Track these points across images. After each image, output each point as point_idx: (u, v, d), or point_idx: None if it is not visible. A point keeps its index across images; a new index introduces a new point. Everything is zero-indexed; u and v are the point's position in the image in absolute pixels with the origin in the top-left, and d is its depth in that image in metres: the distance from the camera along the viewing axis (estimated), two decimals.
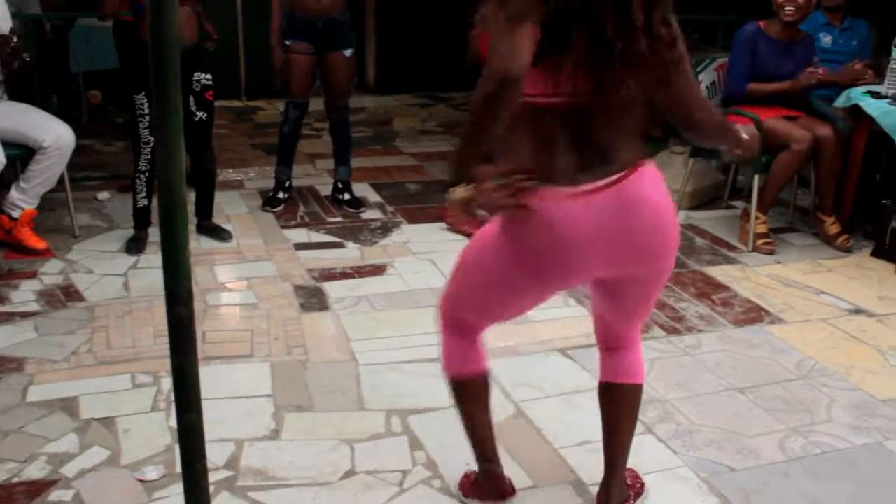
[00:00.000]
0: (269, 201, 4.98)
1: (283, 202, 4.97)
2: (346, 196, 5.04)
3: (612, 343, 2.30)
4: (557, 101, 1.84)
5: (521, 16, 1.72)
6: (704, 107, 2.05)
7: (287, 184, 5.01)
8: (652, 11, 1.79)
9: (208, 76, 4.23)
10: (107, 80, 6.50)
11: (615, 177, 1.90)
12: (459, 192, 1.87)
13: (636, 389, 2.31)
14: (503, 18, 1.72)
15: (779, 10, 4.55)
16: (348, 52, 4.75)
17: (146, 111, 3.99)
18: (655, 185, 1.97)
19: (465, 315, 2.21)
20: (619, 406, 2.31)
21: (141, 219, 4.28)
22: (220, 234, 4.46)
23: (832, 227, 4.67)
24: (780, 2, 4.52)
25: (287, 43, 4.67)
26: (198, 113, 4.23)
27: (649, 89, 1.90)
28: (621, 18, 1.76)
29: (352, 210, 4.96)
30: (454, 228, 4.52)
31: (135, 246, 4.25)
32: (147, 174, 4.15)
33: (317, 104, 5.10)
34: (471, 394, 2.29)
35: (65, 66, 6.59)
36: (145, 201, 4.19)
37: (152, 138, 4.05)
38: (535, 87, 1.80)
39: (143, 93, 3.96)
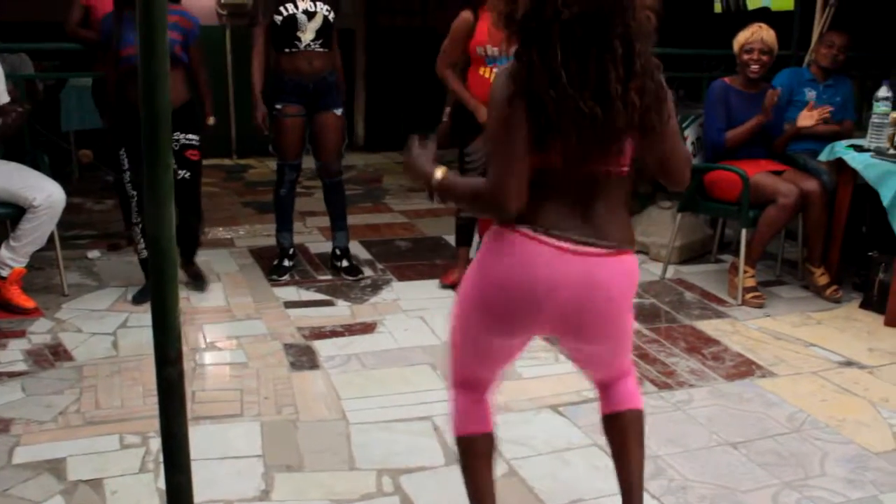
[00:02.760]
0: (274, 270, 4.82)
1: (289, 270, 4.84)
2: (345, 263, 4.91)
3: (602, 381, 2.35)
4: (551, 167, 1.91)
5: (515, 142, 1.84)
6: (690, 163, 2.10)
7: (291, 250, 4.89)
8: (629, 81, 1.84)
9: (189, 136, 4.20)
10: (97, 139, 6.53)
11: (601, 251, 1.96)
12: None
13: (637, 414, 2.33)
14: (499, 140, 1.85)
15: (744, 68, 4.77)
16: (339, 111, 4.71)
17: (126, 166, 4.01)
18: (628, 278, 2.04)
19: (469, 371, 2.24)
20: (624, 433, 2.33)
21: (147, 269, 4.18)
22: (196, 281, 4.43)
23: (822, 279, 4.70)
24: (745, 59, 4.74)
25: (277, 106, 4.59)
26: (179, 172, 4.19)
27: (636, 154, 1.96)
28: (600, 92, 1.82)
29: (349, 277, 4.83)
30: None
31: (141, 296, 4.26)
32: (142, 224, 4.14)
33: (307, 161, 5.10)
34: (476, 452, 2.30)
35: (56, 124, 6.64)
36: (146, 252, 4.13)
37: (135, 192, 4.07)
38: (545, 160, 1.90)
39: (124, 149, 3.99)
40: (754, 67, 4.72)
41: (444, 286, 4.70)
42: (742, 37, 4.74)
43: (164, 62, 1.37)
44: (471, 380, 2.25)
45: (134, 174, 4.07)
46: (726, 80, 4.87)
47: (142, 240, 4.17)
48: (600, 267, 1.97)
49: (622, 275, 2.02)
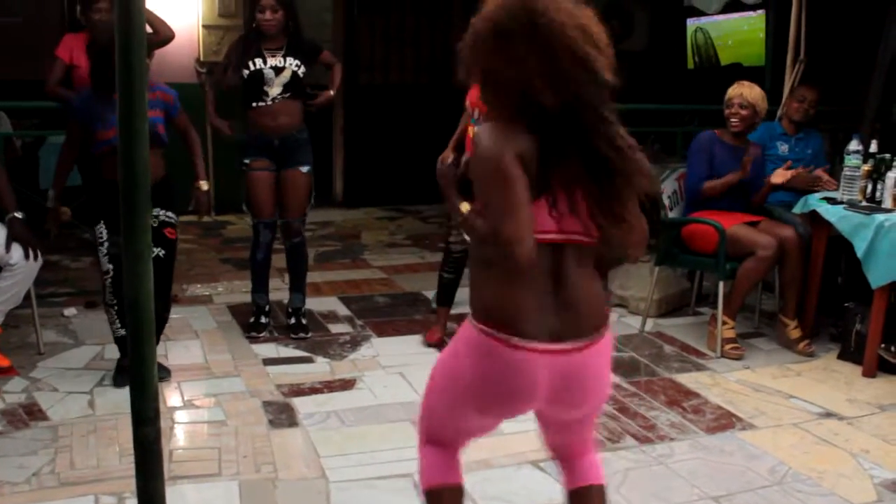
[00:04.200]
0: (252, 327, 4.77)
1: (266, 327, 4.79)
2: (293, 321, 4.82)
3: (562, 456, 2.35)
4: (550, 239, 1.94)
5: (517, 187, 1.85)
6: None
7: (267, 308, 4.85)
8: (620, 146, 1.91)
9: (169, 213, 4.05)
10: (75, 196, 6.52)
11: (581, 343, 1.99)
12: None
13: (601, 489, 2.33)
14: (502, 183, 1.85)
15: (727, 122, 4.90)
16: (304, 169, 4.66)
17: (104, 239, 3.93)
18: (606, 359, 2.09)
19: (441, 434, 2.24)
20: None
21: (124, 346, 3.99)
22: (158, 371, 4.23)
23: (794, 332, 4.73)
24: (726, 114, 4.88)
25: (245, 161, 4.61)
26: (154, 249, 3.88)
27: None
28: (608, 138, 1.89)
29: (293, 335, 4.72)
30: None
31: (121, 379, 3.99)
32: (117, 306, 3.95)
33: None
34: None
35: (34, 182, 6.62)
36: (122, 331, 3.94)
37: (110, 266, 3.94)
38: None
39: (103, 222, 3.94)
40: (734, 121, 4.84)
41: (429, 345, 4.67)
42: (727, 92, 4.89)
43: (145, 147, 1.38)
44: (442, 441, 2.26)
45: (113, 246, 3.92)
46: (716, 131, 4.97)
47: (117, 319, 3.98)
48: (586, 357, 2.01)
49: (606, 353, 2.08)
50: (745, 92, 4.81)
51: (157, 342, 4.12)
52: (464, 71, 2.01)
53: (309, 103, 4.76)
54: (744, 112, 4.81)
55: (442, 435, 2.25)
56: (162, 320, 4.11)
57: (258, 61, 4.52)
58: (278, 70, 4.53)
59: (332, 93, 4.86)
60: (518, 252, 1.81)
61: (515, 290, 1.95)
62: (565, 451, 2.32)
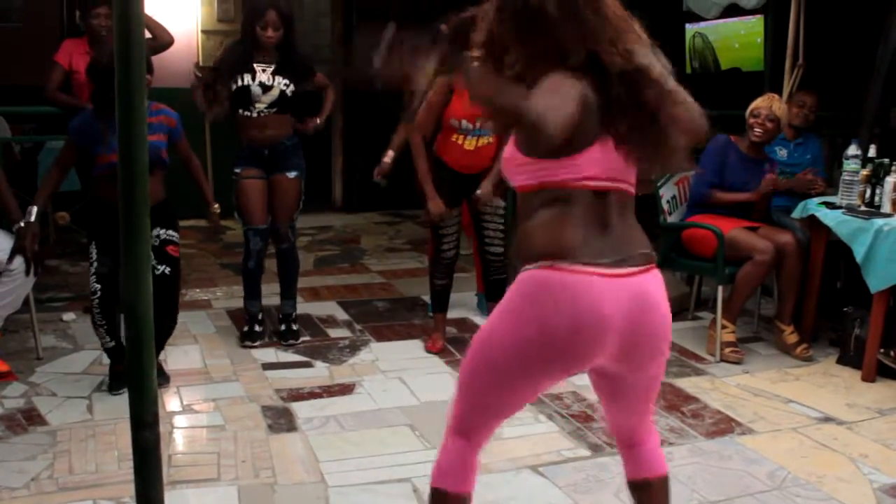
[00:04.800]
0: (246, 336, 4.73)
1: (260, 336, 4.74)
2: (283, 327, 4.80)
3: (627, 440, 2.33)
4: (593, 186, 1.96)
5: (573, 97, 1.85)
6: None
7: (260, 316, 4.80)
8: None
9: (171, 232, 4.03)
10: (74, 201, 6.52)
11: (637, 268, 1.99)
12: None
13: (665, 481, 2.34)
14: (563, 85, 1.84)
15: (749, 131, 4.89)
16: (292, 175, 4.64)
17: (94, 259, 3.91)
18: (663, 289, 2.08)
19: (478, 418, 2.18)
20: (651, 500, 2.33)
21: (114, 356, 4.02)
22: (158, 377, 4.15)
23: (790, 337, 4.73)
24: (751, 123, 4.88)
25: (236, 170, 4.62)
26: (158, 267, 3.94)
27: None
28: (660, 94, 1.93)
29: (283, 343, 4.71)
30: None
31: (116, 385, 3.97)
32: (105, 326, 3.93)
33: None
34: None
35: (33, 187, 6.61)
36: (111, 343, 3.96)
37: (98, 286, 3.91)
38: (570, 171, 1.94)
39: (94, 242, 3.92)
40: (758, 131, 4.84)
41: (430, 353, 4.65)
42: (754, 102, 4.90)
43: (145, 174, 1.39)
44: (473, 428, 2.19)
45: (102, 266, 3.89)
46: (732, 137, 4.97)
47: (106, 335, 3.95)
48: (646, 284, 2.00)
49: (662, 284, 2.06)
50: (775, 106, 4.84)
51: (160, 350, 4.14)
52: (492, 50, 2.01)
53: (299, 127, 4.74)
54: (770, 125, 4.83)
55: (477, 420, 2.18)
56: (165, 334, 4.08)
57: (247, 77, 4.50)
58: (266, 88, 4.52)
59: (319, 121, 4.83)
60: (552, 127, 1.74)
61: (566, 228, 1.95)
62: (629, 433, 2.30)
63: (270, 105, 4.54)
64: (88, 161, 3.97)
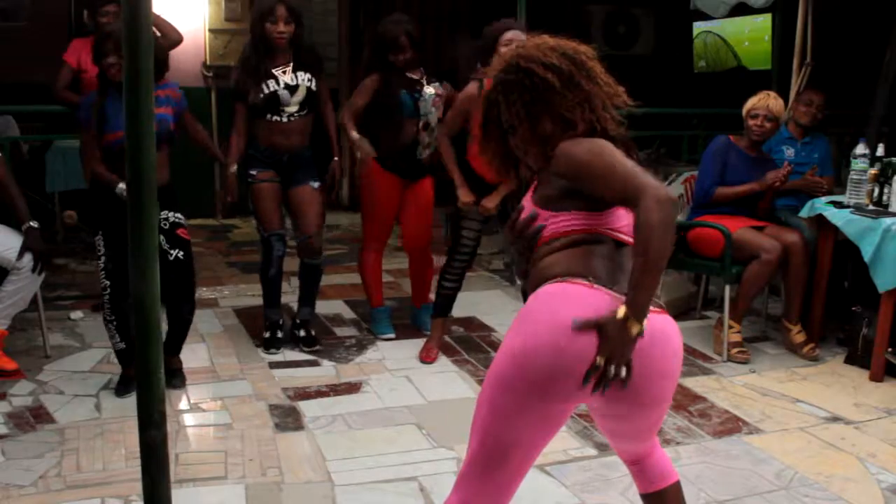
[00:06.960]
0: (270, 343, 4.63)
1: (282, 342, 4.66)
2: (302, 333, 4.68)
3: (632, 460, 2.32)
4: (621, 237, 2.03)
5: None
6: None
7: (280, 322, 4.71)
8: None
9: (178, 214, 4.00)
10: (82, 199, 6.54)
11: (653, 308, 1.95)
12: None
13: (676, 488, 2.32)
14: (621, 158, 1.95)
15: (749, 132, 4.93)
16: (316, 185, 4.61)
17: (102, 252, 3.90)
18: (680, 335, 2.05)
19: (506, 453, 2.10)
20: None
21: (124, 358, 4.00)
22: (173, 378, 4.08)
23: (798, 336, 4.72)
24: (749, 124, 4.91)
25: (252, 173, 4.54)
26: (172, 251, 3.94)
27: None
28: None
29: (306, 348, 4.64)
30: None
31: (123, 388, 3.95)
32: (115, 322, 3.93)
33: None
34: None
35: (40, 186, 6.64)
36: (122, 345, 3.96)
37: (108, 282, 3.90)
38: (608, 221, 2.02)
39: (101, 234, 3.90)
40: (757, 131, 4.88)
41: (424, 363, 4.54)
42: (750, 102, 4.92)
43: (152, 146, 1.39)
44: (500, 487, 2.13)
45: (109, 261, 3.88)
46: (731, 137, 5.01)
47: (116, 334, 3.95)
48: (662, 323, 1.99)
49: (679, 333, 2.04)
50: (772, 104, 4.85)
51: (181, 346, 4.17)
52: (524, 131, 2.10)
53: (325, 180, 4.71)
54: (769, 125, 4.87)
55: (505, 464, 2.08)
56: (185, 322, 4.11)
57: (271, 83, 4.45)
58: (293, 89, 4.48)
59: (336, 158, 4.83)
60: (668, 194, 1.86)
61: (590, 258, 1.98)
62: (634, 455, 2.30)
63: (300, 108, 4.51)
64: (96, 140, 3.92)
